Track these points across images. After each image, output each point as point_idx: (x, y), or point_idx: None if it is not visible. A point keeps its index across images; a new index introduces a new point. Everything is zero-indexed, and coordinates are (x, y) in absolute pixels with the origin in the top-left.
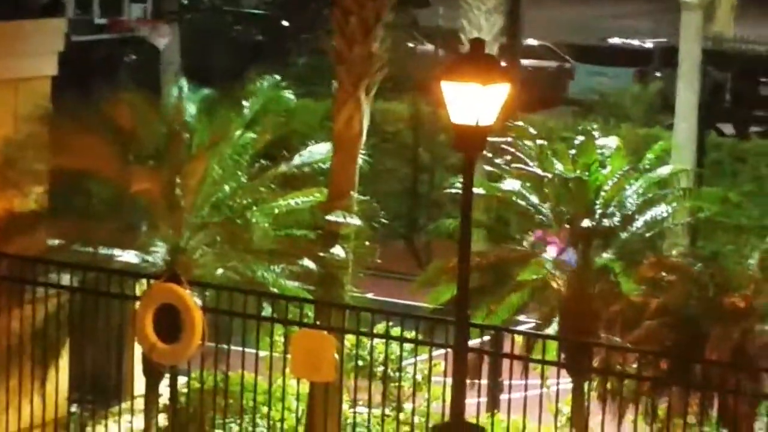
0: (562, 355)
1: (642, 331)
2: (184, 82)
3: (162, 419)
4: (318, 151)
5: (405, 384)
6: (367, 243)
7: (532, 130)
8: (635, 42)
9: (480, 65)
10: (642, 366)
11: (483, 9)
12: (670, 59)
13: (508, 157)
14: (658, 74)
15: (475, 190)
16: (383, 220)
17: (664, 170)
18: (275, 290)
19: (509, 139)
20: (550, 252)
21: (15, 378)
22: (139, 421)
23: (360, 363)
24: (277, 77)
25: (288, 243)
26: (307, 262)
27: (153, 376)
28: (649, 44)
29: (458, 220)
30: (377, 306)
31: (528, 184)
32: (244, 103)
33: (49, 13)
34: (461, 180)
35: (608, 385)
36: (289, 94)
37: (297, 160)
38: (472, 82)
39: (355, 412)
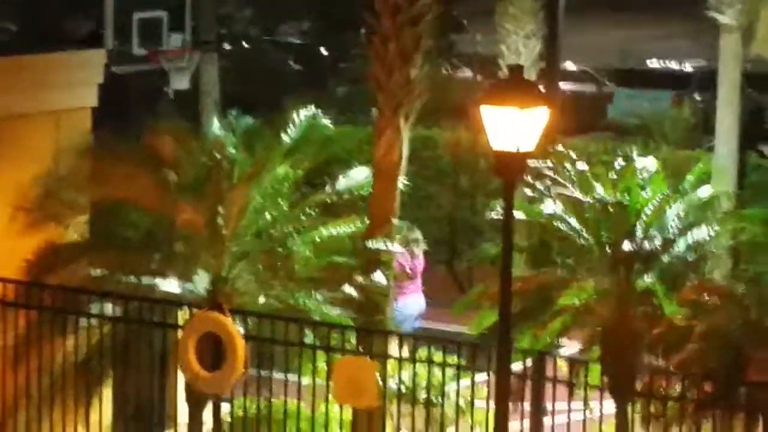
0: (605, 379)
1: (685, 354)
2: (225, 113)
3: None
4: (358, 177)
5: (448, 409)
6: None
7: (572, 154)
8: (674, 65)
9: (519, 90)
10: (686, 389)
11: (521, 34)
12: (710, 81)
13: (549, 182)
14: (697, 97)
15: (516, 214)
16: (424, 246)
17: (704, 192)
18: (317, 317)
19: (549, 164)
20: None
21: (59, 408)
22: None
23: (403, 389)
24: (315, 108)
25: (329, 270)
26: (349, 289)
27: (196, 404)
28: (688, 67)
29: (499, 245)
30: (419, 332)
31: (568, 209)
32: (284, 132)
33: (88, 44)
34: (502, 205)
35: (652, 409)
36: (327, 122)
37: (337, 187)
38: (511, 107)
39: None
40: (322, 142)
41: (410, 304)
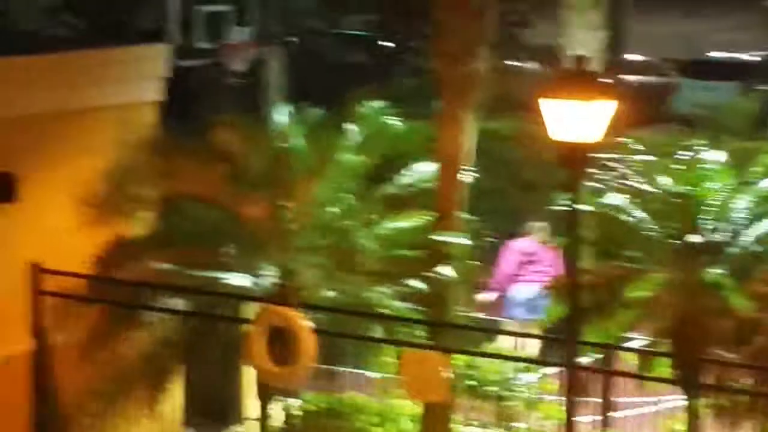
0: (675, 372)
1: (755, 347)
2: (289, 106)
3: None
4: (424, 171)
5: (518, 403)
6: (475, 262)
7: (639, 146)
8: (739, 55)
9: (583, 82)
10: (757, 382)
11: (586, 25)
12: None
13: (615, 174)
14: (763, 87)
15: (582, 206)
16: (491, 239)
17: None
18: (385, 311)
19: (616, 156)
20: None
21: (129, 403)
22: None
23: (472, 383)
24: (382, 103)
25: (396, 264)
26: (415, 283)
27: (266, 398)
28: (753, 57)
29: (565, 237)
30: (488, 325)
31: (635, 200)
32: (351, 126)
33: (152, 38)
34: (568, 197)
35: (722, 402)
36: (396, 121)
37: (403, 180)
38: (575, 99)
39: None
40: (389, 137)
41: (524, 291)
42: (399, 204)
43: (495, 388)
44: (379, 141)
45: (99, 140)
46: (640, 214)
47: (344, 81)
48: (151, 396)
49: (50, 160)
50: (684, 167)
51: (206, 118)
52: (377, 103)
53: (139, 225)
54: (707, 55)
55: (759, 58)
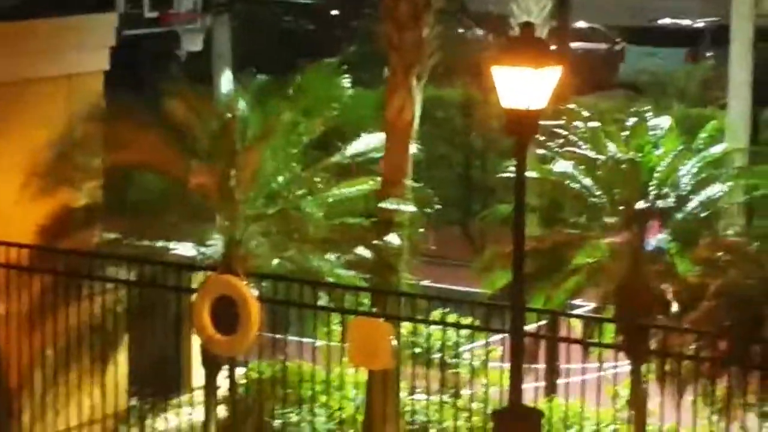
0: (620, 338)
1: (700, 312)
2: (237, 75)
3: (221, 410)
4: (371, 140)
5: (463, 370)
6: (421, 230)
7: (584, 113)
8: (686, 22)
9: (530, 49)
10: (700, 347)
11: None
12: (722, 38)
13: (561, 141)
14: (709, 54)
15: (528, 174)
16: (437, 207)
17: (717, 149)
18: (331, 279)
19: (561, 122)
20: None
21: (75, 373)
22: (199, 413)
23: (417, 350)
24: (330, 70)
25: (343, 232)
26: (362, 251)
27: (211, 367)
28: (699, 24)
29: (512, 204)
30: (433, 293)
31: (581, 167)
32: (298, 93)
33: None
34: (514, 164)
35: (666, 367)
36: (343, 77)
37: (350, 149)
38: (523, 66)
39: (413, 400)
40: (335, 104)
41: None
42: (346, 172)
43: (439, 356)
44: (325, 108)
45: (46, 110)
46: (586, 180)
47: (292, 49)
48: (98, 365)
49: None
50: (631, 133)
51: (154, 87)
52: (324, 70)
53: (86, 195)
54: (651, 22)
55: (703, 25)
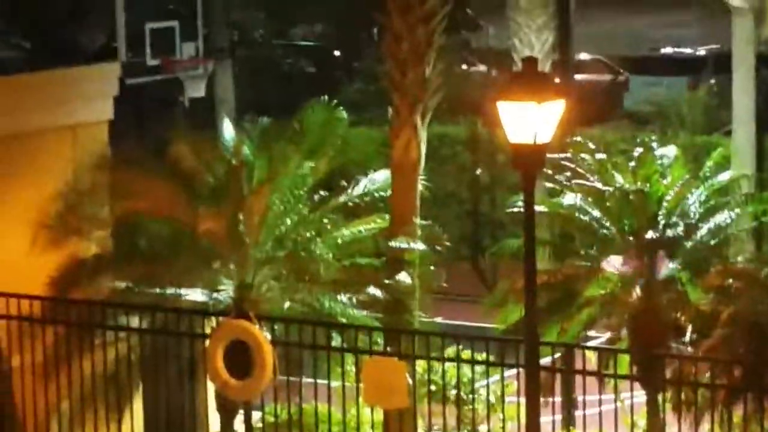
0: (635, 368)
1: (713, 340)
2: (241, 119)
3: None
4: (378, 178)
5: (479, 406)
6: (432, 267)
7: (590, 145)
8: (688, 50)
9: (533, 83)
10: (715, 375)
11: (533, 27)
12: (724, 65)
13: (568, 173)
14: (712, 81)
15: (537, 207)
16: (447, 244)
17: (724, 177)
18: (343, 320)
19: (568, 155)
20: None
21: (90, 422)
22: None
23: (432, 388)
24: (333, 111)
25: (353, 272)
26: (374, 290)
27: (227, 412)
28: (701, 51)
29: (521, 239)
30: (446, 330)
31: (589, 199)
32: (302, 135)
33: (102, 58)
34: (522, 198)
35: (682, 396)
36: (343, 115)
37: (358, 189)
38: (527, 101)
39: None
40: (339, 143)
41: None
42: (354, 212)
43: (455, 392)
44: (330, 148)
45: (52, 161)
46: (594, 212)
47: (295, 92)
48: (113, 414)
49: (3, 182)
50: (637, 164)
51: (159, 135)
52: (328, 111)
53: (95, 245)
54: (653, 52)
55: (704, 53)
